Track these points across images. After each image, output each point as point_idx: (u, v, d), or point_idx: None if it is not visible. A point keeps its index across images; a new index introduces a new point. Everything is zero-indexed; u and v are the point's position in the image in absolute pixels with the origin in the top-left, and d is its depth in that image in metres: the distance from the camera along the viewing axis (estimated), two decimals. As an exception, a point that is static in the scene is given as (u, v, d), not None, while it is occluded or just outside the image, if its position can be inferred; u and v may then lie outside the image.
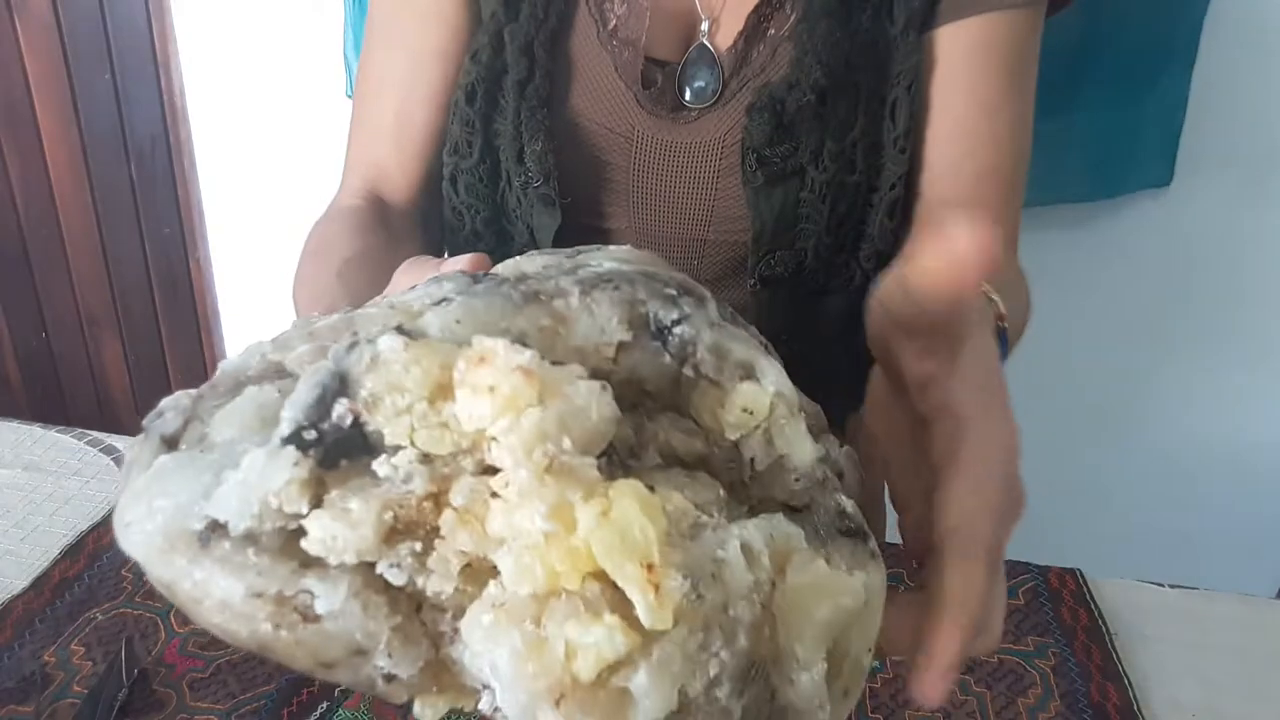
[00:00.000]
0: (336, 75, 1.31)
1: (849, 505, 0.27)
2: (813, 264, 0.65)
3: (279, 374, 0.25)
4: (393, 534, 0.22)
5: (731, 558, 0.23)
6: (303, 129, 1.37)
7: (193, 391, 0.26)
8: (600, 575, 0.21)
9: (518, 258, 0.29)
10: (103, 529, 0.65)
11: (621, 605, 0.21)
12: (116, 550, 0.63)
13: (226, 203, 1.56)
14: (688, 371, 0.25)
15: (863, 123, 0.62)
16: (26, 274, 1.73)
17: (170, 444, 0.25)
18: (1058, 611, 0.61)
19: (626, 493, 0.22)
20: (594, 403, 0.23)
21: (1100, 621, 0.60)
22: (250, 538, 0.22)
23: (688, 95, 0.64)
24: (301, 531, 0.22)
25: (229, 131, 1.48)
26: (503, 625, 0.21)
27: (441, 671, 0.23)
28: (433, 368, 0.23)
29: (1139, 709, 0.54)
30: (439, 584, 0.23)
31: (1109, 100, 1.14)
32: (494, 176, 0.66)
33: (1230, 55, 1.14)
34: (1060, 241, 1.27)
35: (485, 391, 0.22)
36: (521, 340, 0.24)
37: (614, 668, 0.21)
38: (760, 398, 0.25)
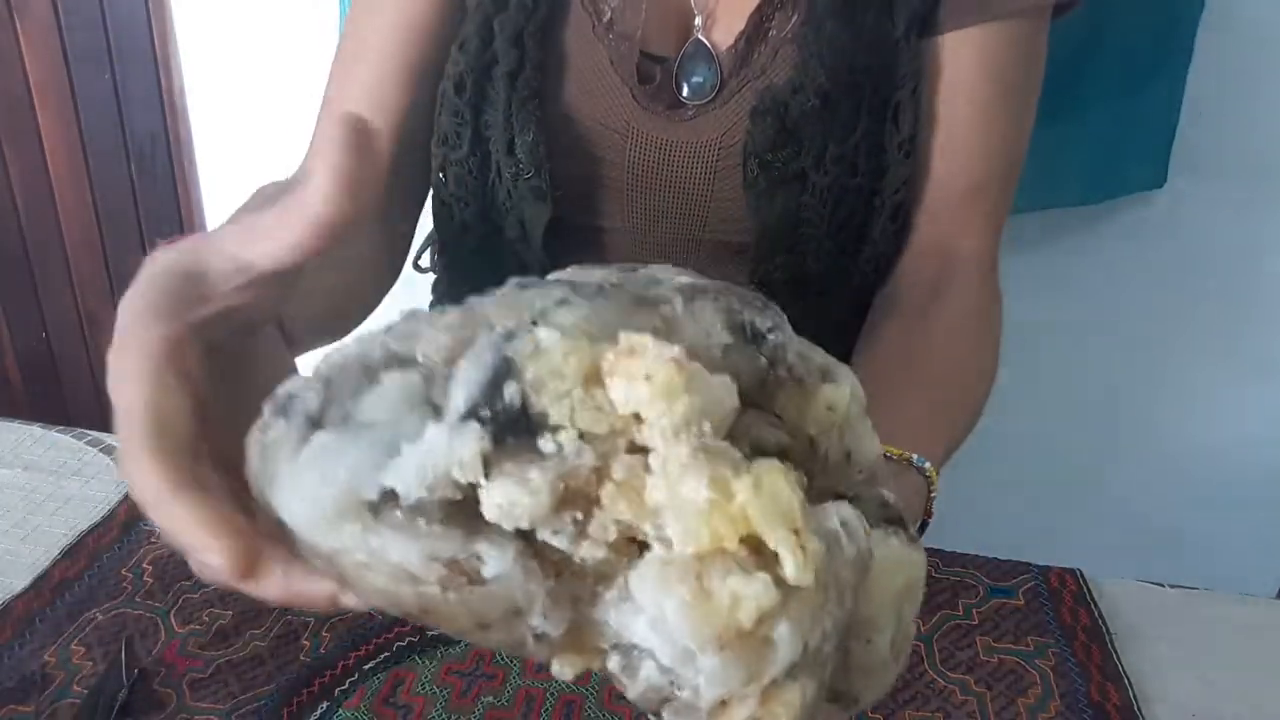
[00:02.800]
0: (336, 75, 1.31)
1: (890, 497, 0.30)
2: (813, 267, 0.65)
3: (405, 363, 0.27)
4: (561, 503, 0.25)
5: (840, 530, 0.26)
6: (303, 129, 1.37)
7: (307, 376, 0.28)
8: (749, 539, 0.24)
9: (572, 269, 0.32)
10: (103, 529, 0.65)
11: (767, 565, 0.25)
12: (116, 550, 0.63)
13: (226, 203, 1.56)
14: (780, 372, 0.28)
15: (865, 126, 0.62)
16: (26, 274, 1.73)
17: (315, 423, 0.26)
18: (1058, 611, 0.61)
19: (770, 468, 0.25)
20: (726, 395, 0.26)
21: (1100, 621, 0.60)
22: (421, 507, 0.25)
23: (685, 91, 0.63)
24: (470, 502, 0.25)
25: (229, 131, 1.48)
26: (672, 580, 0.24)
27: (579, 633, 0.26)
28: (586, 357, 0.25)
29: (1139, 709, 0.54)
30: (590, 550, 0.25)
31: (1104, 103, 1.14)
32: (484, 169, 0.65)
33: (1225, 58, 1.14)
34: (1057, 244, 1.27)
35: (640, 379, 0.25)
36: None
37: (764, 618, 0.24)
38: (841, 397, 0.29)
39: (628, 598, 0.25)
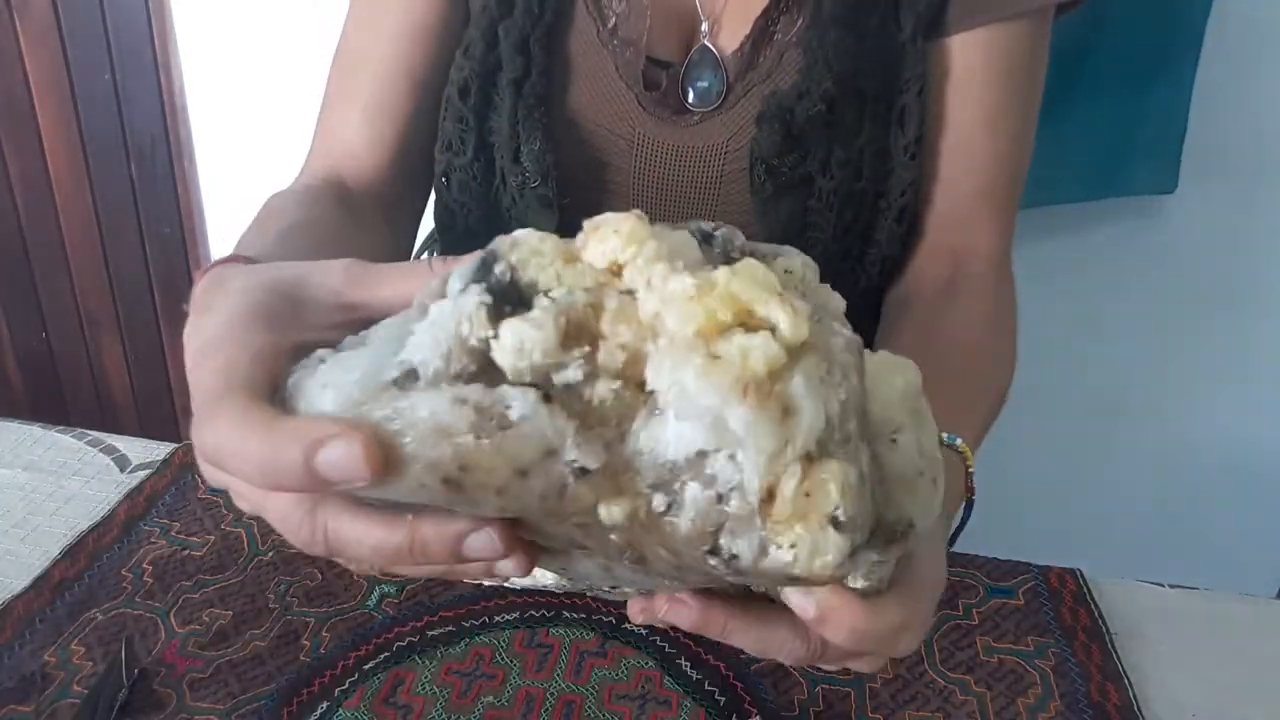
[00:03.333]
0: (336, 75, 1.31)
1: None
2: (820, 271, 0.65)
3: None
4: (566, 338, 0.26)
5: (824, 316, 0.29)
6: (303, 129, 1.37)
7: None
8: (740, 314, 0.26)
9: None
10: (103, 529, 0.65)
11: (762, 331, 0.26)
12: (116, 550, 0.63)
13: (226, 203, 1.56)
14: (734, 255, 0.31)
15: (870, 130, 0.62)
16: (26, 274, 1.73)
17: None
18: (1058, 611, 0.61)
19: (745, 262, 0.27)
20: (690, 244, 0.29)
21: (1100, 621, 0.60)
22: (440, 375, 0.26)
23: (690, 97, 0.63)
24: (487, 361, 0.27)
25: (229, 131, 1.48)
26: (682, 354, 0.26)
27: (617, 478, 0.27)
28: (560, 243, 0.28)
29: (1139, 709, 0.54)
30: (605, 387, 0.27)
31: (1111, 102, 1.14)
32: (488, 175, 0.65)
33: (1234, 57, 1.14)
34: (1062, 243, 1.27)
35: (611, 235, 0.28)
36: None
37: (775, 375, 0.26)
38: (794, 263, 0.32)
39: (650, 415, 0.26)
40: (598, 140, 0.64)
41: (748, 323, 0.26)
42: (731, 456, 0.26)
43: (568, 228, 0.67)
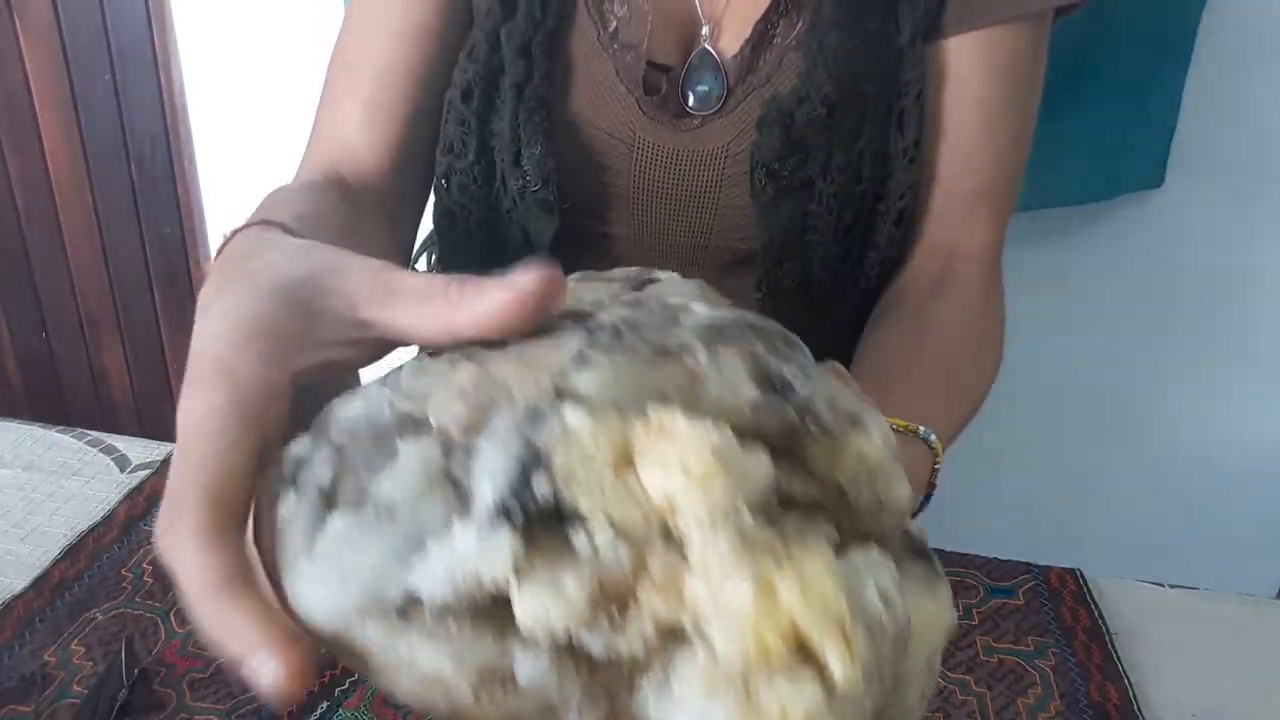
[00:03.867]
0: (336, 75, 1.31)
1: (914, 529, 0.29)
2: (819, 274, 0.65)
3: (418, 426, 0.26)
4: (596, 603, 0.24)
5: (880, 606, 0.25)
6: (303, 130, 1.37)
7: (315, 436, 0.26)
8: (796, 637, 0.24)
9: (575, 277, 0.30)
10: (103, 529, 0.65)
11: (812, 662, 0.24)
12: (116, 550, 0.63)
13: (226, 203, 1.56)
14: (809, 426, 0.27)
15: (869, 133, 0.62)
16: (26, 274, 1.73)
17: (329, 501, 0.25)
18: (1058, 611, 0.61)
19: (813, 558, 0.24)
20: (762, 471, 0.25)
21: (1100, 621, 0.60)
22: (449, 609, 0.23)
23: (691, 101, 0.63)
24: (503, 603, 0.24)
25: (229, 131, 1.48)
26: (719, 688, 0.24)
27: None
28: (615, 438, 0.24)
29: (1139, 709, 0.54)
30: (628, 645, 0.24)
31: (1103, 102, 1.14)
32: (489, 178, 0.65)
33: (1226, 57, 1.14)
34: (1056, 243, 1.27)
35: (675, 467, 0.24)
36: (664, 399, 0.25)
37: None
38: (871, 447, 0.27)
39: (668, 690, 0.24)
40: (598, 144, 0.64)
41: (799, 643, 0.24)
42: None
43: (567, 231, 0.67)
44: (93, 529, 0.65)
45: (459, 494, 0.24)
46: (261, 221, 0.37)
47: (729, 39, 0.63)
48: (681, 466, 0.24)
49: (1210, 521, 1.42)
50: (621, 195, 0.65)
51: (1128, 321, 1.33)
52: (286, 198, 0.53)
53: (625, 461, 0.24)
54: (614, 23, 0.63)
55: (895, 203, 0.64)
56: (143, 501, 0.67)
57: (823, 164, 0.61)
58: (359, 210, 0.58)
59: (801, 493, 0.27)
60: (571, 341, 0.26)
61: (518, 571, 0.23)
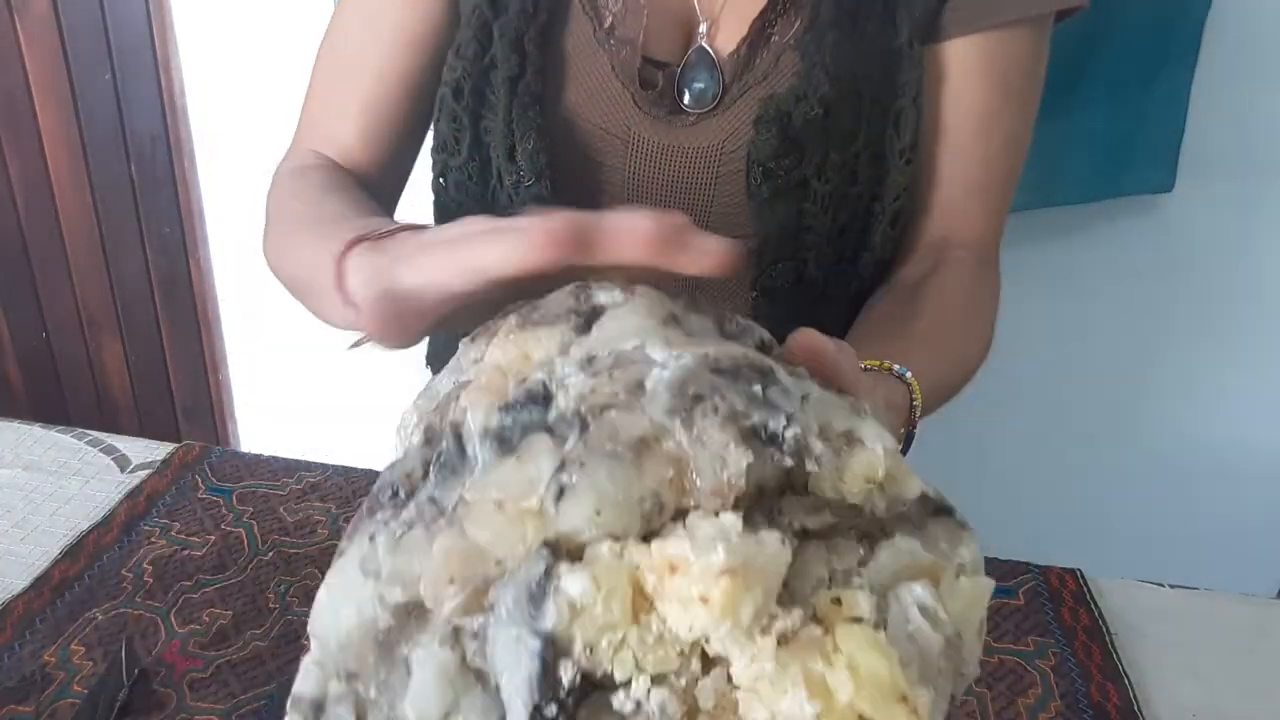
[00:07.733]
0: (336, 75, 1.31)
1: (930, 489, 0.28)
2: (814, 274, 0.65)
3: (417, 616, 0.25)
4: None
5: (925, 625, 0.25)
6: (303, 129, 1.37)
7: (318, 669, 0.27)
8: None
9: (509, 335, 0.29)
10: (103, 529, 0.65)
11: None
12: (116, 550, 0.63)
13: (226, 203, 1.56)
14: (809, 465, 0.26)
15: (866, 134, 0.62)
16: (26, 274, 1.73)
17: None
18: (1058, 611, 0.61)
19: (856, 640, 0.23)
20: (778, 560, 0.24)
21: (1100, 621, 0.60)
22: None
23: (686, 98, 0.63)
24: None
25: (229, 131, 1.48)
26: None
27: None
28: (625, 589, 0.23)
29: (1139, 709, 0.54)
30: None
31: (1109, 102, 1.14)
32: (484, 174, 0.65)
33: (1232, 57, 1.14)
34: (1060, 243, 1.27)
35: (695, 602, 0.23)
36: (658, 503, 0.24)
37: None
38: (875, 464, 0.27)
39: None
40: (593, 139, 0.64)
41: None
42: None
43: None
44: (93, 529, 0.65)
45: (485, 687, 0.24)
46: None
47: (726, 37, 0.62)
48: (701, 598, 0.23)
49: (1210, 521, 1.42)
50: (616, 191, 0.65)
51: (1128, 321, 1.33)
52: (301, 187, 0.57)
53: (642, 602, 0.23)
54: (609, 18, 0.62)
55: (890, 204, 0.64)
56: (143, 501, 0.67)
57: (819, 164, 0.61)
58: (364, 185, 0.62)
59: (815, 524, 0.26)
60: (541, 461, 0.25)
61: None
